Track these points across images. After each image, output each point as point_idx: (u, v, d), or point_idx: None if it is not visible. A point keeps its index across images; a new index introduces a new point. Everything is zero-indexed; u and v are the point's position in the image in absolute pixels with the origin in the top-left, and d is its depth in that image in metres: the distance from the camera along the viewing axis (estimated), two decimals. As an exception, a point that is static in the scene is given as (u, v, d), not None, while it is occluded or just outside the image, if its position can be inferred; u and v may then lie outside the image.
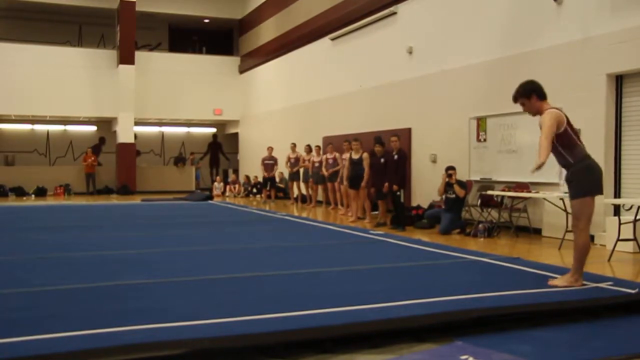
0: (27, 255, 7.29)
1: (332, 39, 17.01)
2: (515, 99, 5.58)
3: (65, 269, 6.38)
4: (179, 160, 24.83)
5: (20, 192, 20.69)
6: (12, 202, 18.33)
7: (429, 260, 7.13)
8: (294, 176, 17.33)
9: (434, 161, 12.61)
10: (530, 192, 9.59)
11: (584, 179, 5.34)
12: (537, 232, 9.98)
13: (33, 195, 20.55)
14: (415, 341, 3.91)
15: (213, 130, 26.53)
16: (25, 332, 3.81)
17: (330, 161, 14.89)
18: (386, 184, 11.14)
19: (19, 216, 13.12)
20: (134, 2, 22.01)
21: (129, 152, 22.31)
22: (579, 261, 5.40)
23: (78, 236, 9.31)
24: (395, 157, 11.16)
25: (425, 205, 12.27)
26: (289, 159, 17.29)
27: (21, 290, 5.22)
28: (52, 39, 23.45)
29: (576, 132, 5.45)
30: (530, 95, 5.49)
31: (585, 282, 5.42)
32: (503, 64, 10.80)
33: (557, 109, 5.42)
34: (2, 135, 23.96)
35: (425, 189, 12.69)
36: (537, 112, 5.52)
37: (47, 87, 21.45)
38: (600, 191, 5.46)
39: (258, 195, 20.44)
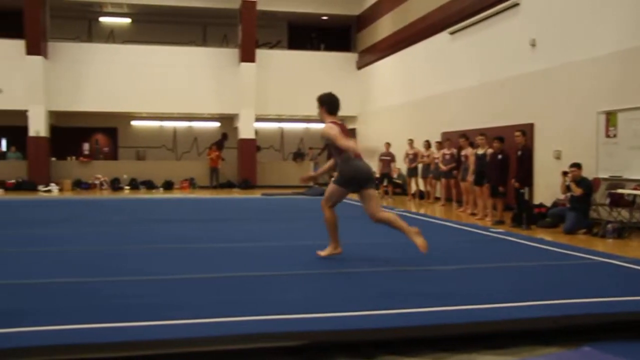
0: (144, 245, 7.74)
1: (451, 33, 16.68)
2: None
3: (184, 259, 6.74)
4: (298, 156, 25.32)
5: (150, 185, 22.02)
6: (142, 194, 19.50)
7: (553, 260, 6.86)
8: (412, 172, 17.21)
9: (558, 157, 12.07)
10: (665, 191, 8.98)
11: None
12: (673, 233, 9.33)
13: (161, 189, 21.76)
14: (539, 344, 3.78)
15: (330, 126, 26.72)
16: (142, 318, 4.05)
17: (447, 157, 14.64)
18: (512, 181, 10.82)
19: (147, 208, 13.91)
20: (255, 1, 22.66)
21: (250, 148, 23.06)
22: None
23: (201, 229, 9.74)
24: (519, 153, 10.76)
25: (548, 203, 11.78)
26: (407, 154, 17.20)
27: (135, 278, 5.55)
28: (178, 39, 24.63)
29: None
30: None
31: None
32: (637, 54, 10.14)
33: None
34: (135, 132, 25.50)
35: (548, 186, 12.18)
36: None
37: (174, 85, 22.57)
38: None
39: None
